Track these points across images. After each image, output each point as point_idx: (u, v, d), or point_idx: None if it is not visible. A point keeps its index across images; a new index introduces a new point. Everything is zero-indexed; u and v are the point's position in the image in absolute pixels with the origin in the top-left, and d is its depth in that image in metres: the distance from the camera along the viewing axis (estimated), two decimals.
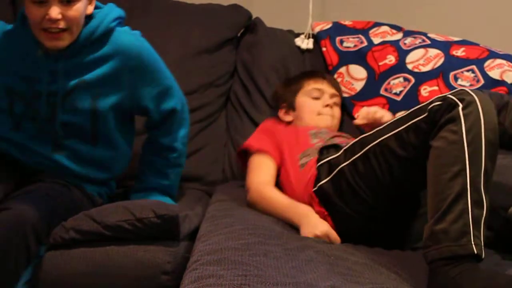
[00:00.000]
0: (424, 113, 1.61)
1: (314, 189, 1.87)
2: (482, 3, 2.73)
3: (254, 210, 2.02)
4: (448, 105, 1.56)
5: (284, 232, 1.82)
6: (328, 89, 2.31)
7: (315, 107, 2.27)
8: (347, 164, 1.77)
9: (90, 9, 1.84)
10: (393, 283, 1.50)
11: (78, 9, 1.78)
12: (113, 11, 1.90)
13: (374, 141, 1.71)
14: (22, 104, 1.86)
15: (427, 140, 1.59)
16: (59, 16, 1.74)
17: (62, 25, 1.76)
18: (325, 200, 1.85)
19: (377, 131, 1.74)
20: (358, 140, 1.79)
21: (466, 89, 1.58)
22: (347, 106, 2.47)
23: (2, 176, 1.83)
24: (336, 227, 1.82)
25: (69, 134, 1.89)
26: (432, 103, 1.59)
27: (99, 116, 1.89)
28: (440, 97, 1.60)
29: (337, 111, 2.32)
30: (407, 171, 1.68)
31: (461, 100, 1.55)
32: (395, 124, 1.69)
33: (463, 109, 1.54)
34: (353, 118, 2.42)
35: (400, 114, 1.76)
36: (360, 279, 1.50)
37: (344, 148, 1.81)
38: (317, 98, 2.29)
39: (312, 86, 2.30)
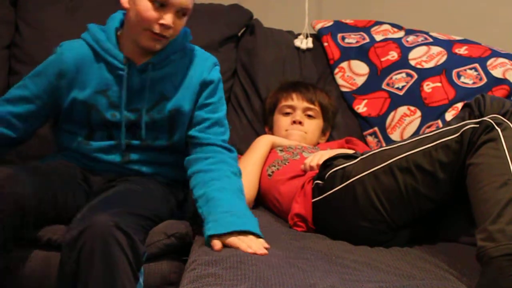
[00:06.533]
0: (456, 134, 1.63)
1: (319, 198, 1.87)
2: (482, 4, 2.73)
3: (252, 210, 2.03)
4: (485, 127, 1.59)
5: (282, 231, 1.83)
6: (300, 103, 2.31)
7: (283, 124, 2.30)
8: (367, 174, 1.76)
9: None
10: (392, 279, 1.50)
11: (184, 22, 1.82)
12: (185, 28, 1.91)
13: (399, 154, 1.72)
14: (99, 116, 1.86)
15: (457, 160, 1.63)
16: (173, 25, 1.77)
17: (169, 33, 1.78)
18: (328, 211, 1.85)
19: (399, 146, 1.75)
20: (377, 152, 1.79)
21: (499, 116, 1.62)
22: (347, 100, 2.47)
23: (75, 186, 1.82)
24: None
25: (149, 136, 1.89)
26: (466, 125, 1.63)
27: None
28: (475, 121, 1.63)
29: (311, 125, 2.31)
30: (430, 188, 1.70)
31: (498, 124, 1.59)
32: (420, 141, 1.70)
33: (502, 131, 1.58)
34: (353, 111, 2.43)
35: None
36: (359, 277, 1.50)
37: (361, 157, 1.81)
38: (288, 114, 2.31)
39: (283, 103, 2.32)
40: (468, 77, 2.30)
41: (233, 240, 1.62)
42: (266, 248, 1.62)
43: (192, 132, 1.89)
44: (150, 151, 1.91)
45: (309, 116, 2.32)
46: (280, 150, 2.17)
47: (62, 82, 1.85)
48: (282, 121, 2.31)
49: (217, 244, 1.62)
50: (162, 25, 1.76)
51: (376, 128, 2.37)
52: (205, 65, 1.92)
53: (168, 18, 1.76)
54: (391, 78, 2.41)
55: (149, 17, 1.75)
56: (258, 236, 1.66)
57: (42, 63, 1.90)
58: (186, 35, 1.91)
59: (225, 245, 1.62)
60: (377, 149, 1.81)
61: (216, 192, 1.75)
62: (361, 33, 2.57)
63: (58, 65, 1.86)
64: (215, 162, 1.84)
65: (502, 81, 2.25)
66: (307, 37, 2.59)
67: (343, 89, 2.48)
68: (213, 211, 1.70)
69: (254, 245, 1.61)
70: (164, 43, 1.82)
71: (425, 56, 2.39)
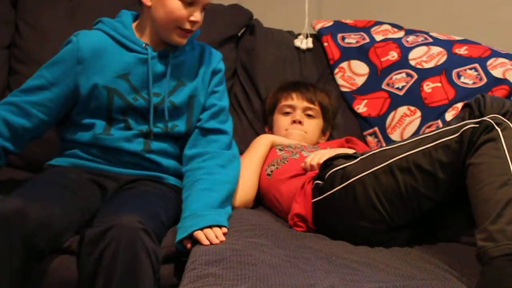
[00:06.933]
0: (455, 134, 1.64)
1: (319, 198, 1.86)
2: (482, 4, 2.73)
3: (252, 210, 2.04)
4: (485, 127, 1.59)
5: (282, 231, 1.83)
6: (299, 103, 2.31)
7: (283, 124, 2.30)
8: (367, 174, 1.76)
9: None
10: (392, 279, 1.51)
11: (203, 15, 1.91)
12: None
13: (399, 155, 1.72)
14: (122, 100, 1.89)
15: (457, 160, 1.63)
16: (201, 20, 1.89)
17: (196, 27, 1.90)
18: (328, 211, 1.85)
19: (399, 146, 1.75)
20: (377, 152, 1.79)
21: (499, 116, 1.62)
22: (347, 100, 2.47)
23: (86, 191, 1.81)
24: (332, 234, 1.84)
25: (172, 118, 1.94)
26: (466, 125, 1.63)
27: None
28: (475, 121, 1.63)
29: (310, 124, 2.31)
30: (430, 188, 1.70)
31: (498, 124, 1.59)
32: (420, 141, 1.70)
33: (502, 131, 1.58)
34: (353, 111, 2.43)
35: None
36: (359, 277, 1.51)
37: (361, 157, 1.81)
38: (288, 114, 2.32)
39: (283, 103, 2.33)
40: (468, 77, 2.30)
41: (197, 234, 1.71)
42: (220, 234, 1.71)
43: (202, 115, 1.99)
44: (169, 140, 1.95)
45: (309, 116, 2.32)
46: (280, 149, 2.17)
47: (80, 68, 1.86)
48: (282, 121, 2.31)
49: (187, 243, 1.72)
50: (191, 21, 1.85)
51: (376, 128, 2.37)
52: (215, 57, 2.05)
53: (197, 15, 1.86)
54: (391, 78, 2.41)
55: (181, 15, 1.84)
56: (222, 226, 1.75)
57: (58, 53, 1.90)
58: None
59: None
60: (377, 149, 1.81)
61: (192, 194, 1.85)
62: (361, 33, 2.57)
63: (75, 53, 1.86)
64: (206, 160, 1.93)
65: (502, 81, 2.25)
66: (307, 37, 2.59)
67: (343, 89, 2.48)
68: (183, 215, 1.80)
69: (209, 235, 1.69)
70: (189, 37, 1.91)
71: (425, 56, 2.39)
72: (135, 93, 1.88)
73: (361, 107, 2.42)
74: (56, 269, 1.69)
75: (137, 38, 1.92)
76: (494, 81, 2.25)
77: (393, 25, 2.59)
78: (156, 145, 1.92)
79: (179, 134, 1.96)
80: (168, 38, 1.89)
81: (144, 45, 1.90)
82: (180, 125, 1.95)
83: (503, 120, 1.61)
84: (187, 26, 1.86)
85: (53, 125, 1.94)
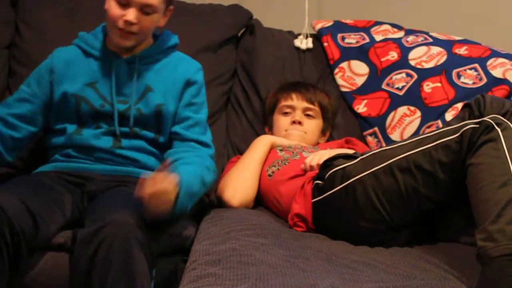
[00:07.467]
0: (456, 134, 1.64)
1: (319, 198, 1.86)
2: (482, 4, 2.73)
3: (252, 210, 2.04)
4: (485, 128, 1.60)
5: (282, 231, 1.83)
6: (299, 104, 2.31)
7: (283, 124, 2.31)
8: (367, 174, 1.76)
9: (163, 22, 1.99)
10: (392, 279, 1.50)
11: (153, 20, 1.93)
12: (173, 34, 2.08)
13: (399, 155, 1.72)
14: (89, 107, 1.94)
15: (457, 160, 1.63)
16: (135, 21, 1.88)
17: (134, 29, 1.90)
18: (328, 211, 1.85)
19: (399, 146, 1.75)
20: (377, 152, 1.79)
21: (499, 116, 1.63)
22: (347, 100, 2.47)
23: (68, 191, 1.82)
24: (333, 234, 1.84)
25: (139, 125, 1.96)
26: (466, 125, 1.63)
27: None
28: (475, 121, 1.63)
29: (310, 125, 2.31)
30: (430, 188, 1.70)
31: (498, 124, 1.59)
32: (420, 141, 1.70)
33: (502, 131, 1.58)
34: (353, 111, 2.44)
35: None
36: (359, 277, 1.51)
37: (361, 157, 1.81)
38: (287, 114, 2.32)
39: (283, 103, 2.33)
40: (468, 77, 2.30)
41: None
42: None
43: (176, 128, 1.99)
44: (139, 139, 1.97)
45: (309, 116, 2.32)
46: (280, 150, 2.17)
47: (53, 77, 1.97)
48: (281, 121, 2.31)
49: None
50: (125, 21, 1.88)
51: (376, 128, 2.37)
52: (191, 67, 2.05)
53: (130, 14, 1.88)
54: (391, 78, 2.41)
55: (114, 14, 1.89)
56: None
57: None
58: (172, 38, 2.04)
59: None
60: (377, 149, 1.81)
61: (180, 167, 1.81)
62: (361, 33, 2.57)
63: (49, 64, 2.00)
64: (191, 156, 1.93)
65: (502, 81, 2.25)
66: (307, 37, 2.59)
67: (343, 89, 2.48)
68: None
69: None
70: (133, 39, 1.93)
71: (425, 56, 2.39)
72: (102, 100, 1.94)
73: (361, 107, 2.42)
74: (47, 266, 1.69)
75: (105, 46, 1.98)
76: (494, 81, 2.25)
77: (393, 25, 2.60)
78: (126, 142, 1.95)
79: (149, 138, 1.98)
80: (113, 40, 1.94)
81: (111, 52, 1.96)
82: (149, 130, 1.97)
83: (503, 120, 1.61)
84: (120, 24, 1.88)
85: (39, 133, 2.02)
